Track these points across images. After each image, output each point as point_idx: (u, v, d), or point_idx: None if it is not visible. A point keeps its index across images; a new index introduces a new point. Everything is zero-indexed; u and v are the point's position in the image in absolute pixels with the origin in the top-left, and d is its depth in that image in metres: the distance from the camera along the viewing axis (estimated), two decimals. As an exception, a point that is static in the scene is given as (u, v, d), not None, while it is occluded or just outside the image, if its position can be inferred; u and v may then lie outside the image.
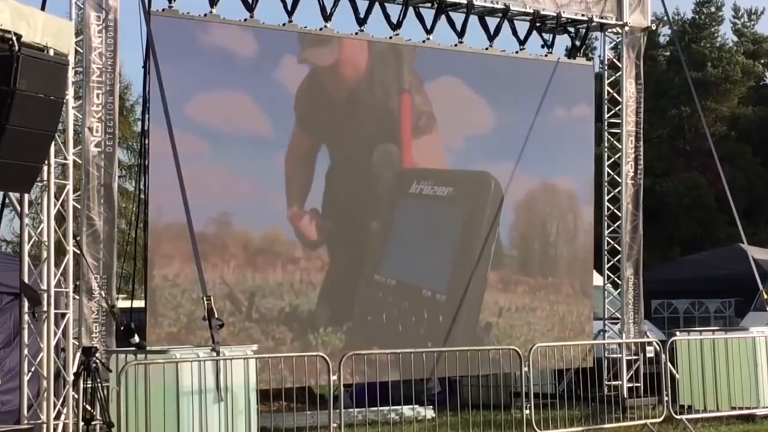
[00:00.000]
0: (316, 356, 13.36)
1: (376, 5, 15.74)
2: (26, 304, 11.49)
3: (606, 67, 18.09)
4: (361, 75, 15.90)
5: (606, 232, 17.84)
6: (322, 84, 15.56)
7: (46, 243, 11.55)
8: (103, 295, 13.38)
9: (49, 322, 11.49)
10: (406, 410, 15.68)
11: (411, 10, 16.03)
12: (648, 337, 17.75)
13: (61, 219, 12.07)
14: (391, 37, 15.96)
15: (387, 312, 15.84)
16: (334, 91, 15.72)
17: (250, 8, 14.87)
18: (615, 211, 17.82)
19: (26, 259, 11.51)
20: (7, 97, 9.85)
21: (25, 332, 11.49)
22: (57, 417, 11.61)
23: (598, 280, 18.25)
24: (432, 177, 16.45)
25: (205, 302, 11.84)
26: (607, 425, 15.11)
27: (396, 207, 16.19)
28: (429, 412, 15.58)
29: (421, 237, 16.25)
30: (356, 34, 15.72)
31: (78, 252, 12.88)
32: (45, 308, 11.47)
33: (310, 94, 15.44)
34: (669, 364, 15.66)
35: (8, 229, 28.31)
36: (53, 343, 11.56)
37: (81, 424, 11.70)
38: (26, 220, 11.65)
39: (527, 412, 14.16)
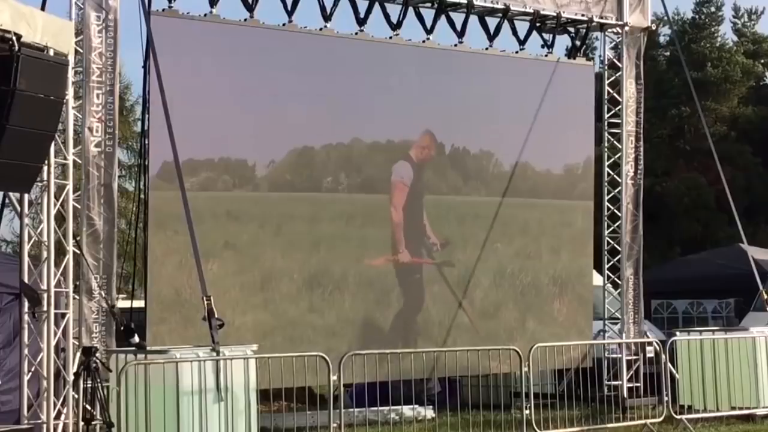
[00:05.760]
0: (316, 356, 13.35)
1: (376, 5, 15.73)
2: (26, 304, 11.50)
3: (606, 67, 18.08)
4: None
5: (606, 232, 17.83)
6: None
7: (46, 243, 11.56)
8: (103, 295, 13.37)
9: (49, 322, 11.50)
10: (406, 410, 15.68)
11: (411, 10, 16.04)
12: (648, 337, 17.74)
13: (61, 219, 12.08)
14: (391, 37, 15.97)
15: (387, 310, 15.84)
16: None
17: (250, 8, 14.86)
18: (615, 211, 17.81)
19: (26, 259, 11.53)
20: (7, 97, 9.85)
21: (25, 332, 11.50)
22: (57, 417, 11.63)
23: (598, 280, 18.23)
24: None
25: (205, 302, 11.82)
26: (607, 425, 15.11)
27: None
28: (429, 412, 15.58)
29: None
30: (356, 34, 15.72)
31: (78, 252, 12.87)
32: (45, 308, 11.49)
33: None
34: (669, 364, 15.66)
35: (8, 229, 28.36)
36: (53, 343, 11.58)
37: (81, 424, 11.69)
38: (26, 220, 11.67)
39: (527, 412, 14.15)
